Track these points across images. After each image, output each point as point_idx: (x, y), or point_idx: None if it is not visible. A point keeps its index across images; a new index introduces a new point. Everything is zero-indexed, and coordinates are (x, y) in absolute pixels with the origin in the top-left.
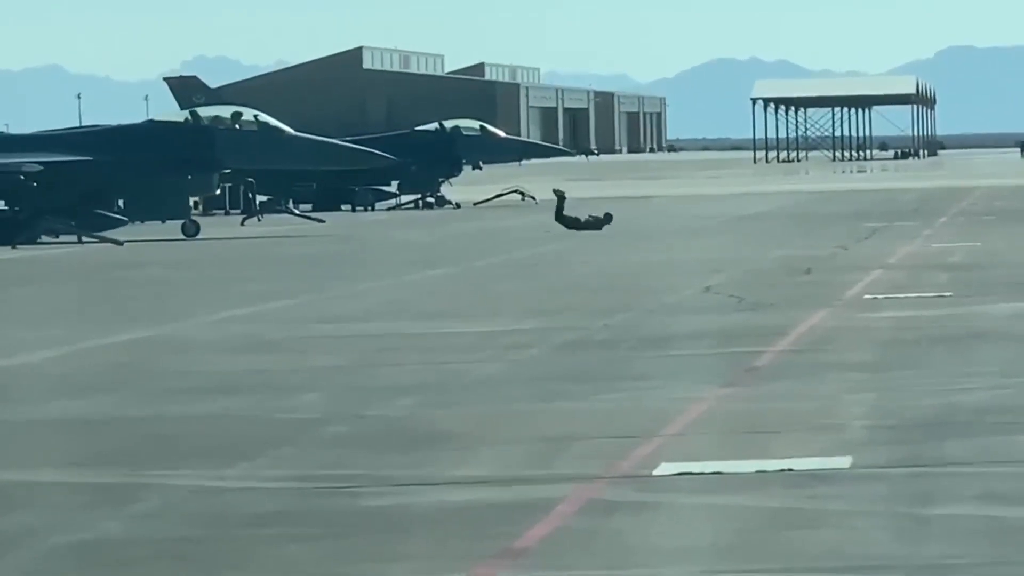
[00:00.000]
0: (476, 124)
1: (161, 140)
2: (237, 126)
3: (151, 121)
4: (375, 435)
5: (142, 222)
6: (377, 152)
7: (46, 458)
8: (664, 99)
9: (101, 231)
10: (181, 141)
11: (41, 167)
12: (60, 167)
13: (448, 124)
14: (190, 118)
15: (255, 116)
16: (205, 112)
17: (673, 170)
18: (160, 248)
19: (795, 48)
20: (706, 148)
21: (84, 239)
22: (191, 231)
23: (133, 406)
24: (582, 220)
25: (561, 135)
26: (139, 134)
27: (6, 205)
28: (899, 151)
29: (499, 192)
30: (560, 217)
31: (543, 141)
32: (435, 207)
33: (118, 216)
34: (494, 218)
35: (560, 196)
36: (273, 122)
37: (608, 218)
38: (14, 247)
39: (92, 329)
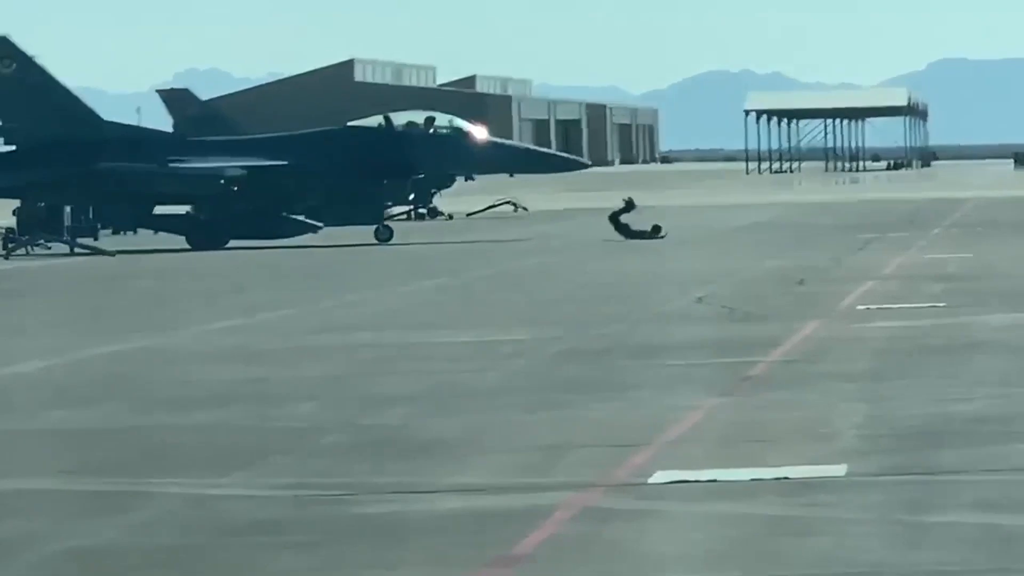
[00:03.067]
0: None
1: (356, 145)
2: (431, 131)
3: (347, 126)
4: (371, 444)
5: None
6: (574, 157)
7: (42, 467)
8: (657, 111)
9: (295, 236)
10: (376, 146)
11: (244, 171)
12: (259, 172)
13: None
14: (384, 123)
15: (449, 120)
16: (399, 118)
17: (666, 181)
18: (152, 259)
19: (788, 60)
20: (700, 159)
21: (76, 250)
22: (384, 236)
23: (128, 416)
24: (635, 229)
25: (553, 147)
26: (334, 139)
27: (196, 210)
28: (892, 162)
29: (491, 203)
30: (617, 223)
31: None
32: (427, 218)
33: (312, 221)
34: (488, 229)
35: (629, 204)
36: (467, 127)
37: (657, 230)
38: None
39: (86, 339)
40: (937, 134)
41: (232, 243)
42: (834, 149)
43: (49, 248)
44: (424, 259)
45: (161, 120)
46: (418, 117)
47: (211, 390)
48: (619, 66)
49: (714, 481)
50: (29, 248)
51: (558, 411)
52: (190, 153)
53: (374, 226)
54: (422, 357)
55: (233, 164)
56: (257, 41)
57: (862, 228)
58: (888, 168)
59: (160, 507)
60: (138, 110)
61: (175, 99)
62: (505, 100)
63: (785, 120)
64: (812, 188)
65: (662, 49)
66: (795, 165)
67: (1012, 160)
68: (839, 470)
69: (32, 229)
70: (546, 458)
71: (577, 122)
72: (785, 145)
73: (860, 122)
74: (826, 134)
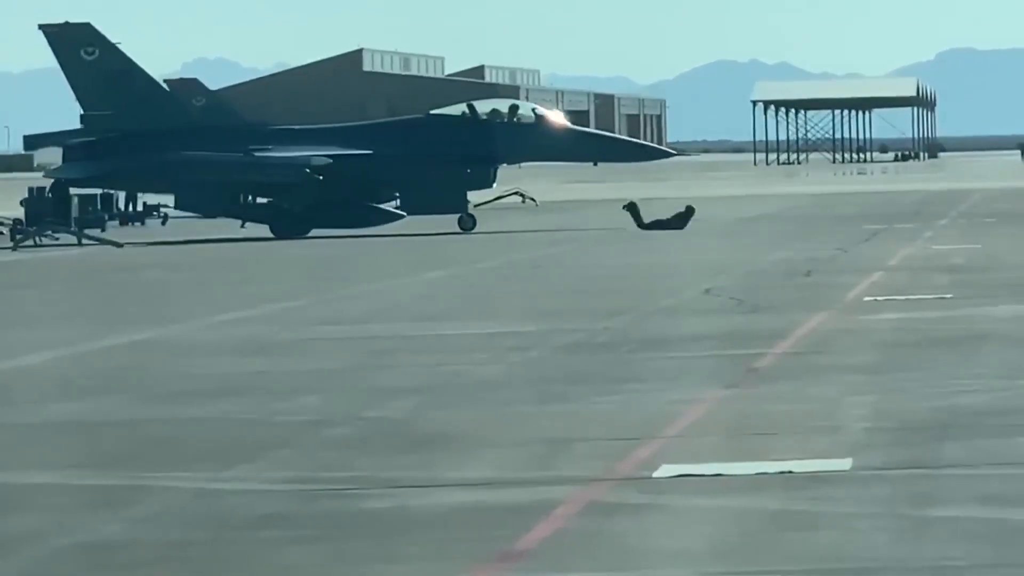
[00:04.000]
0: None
1: (439, 134)
2: (514, 119)
3: (429, 115)
4: (375, 437)
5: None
6: (657, 146)
7: (47, 460)
8: (664, 101)
9: (378, 225)
10: (459, 135)
11: (330, 160)
12: (343, 161)
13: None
14: (467, 112)
15: (533, 109)
16: (482, 106)
17: (673, 172)
18: (159, 251)
19: (795, 50)
20: (706, 151)
21: (84, 241)
22: (468, 225)
23: (133, 408)
24: (663, 219)
25: None
26: (417, 128)
27: (279, 199)
28: (899, 153)
29: (499, 194)
30: (642, 225)
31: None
32: None
33: (395, 210)
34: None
35: (633, 209)
36: (550, 115)
37: (689, 211)
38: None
39: (92, 331)
40: (944, 125)
41: (301, 233)
42: (841, 140)
43: (57, 239)
44: (429, 247)
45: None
46: (502, 105)
47: (217, 383)
48: (627, 56)
49: (719, 475)
50: (37, 239)
51: (563, 404)
52: (271, 142)
53: (457, 215)
54: (426, 350)
55: (319, 153)
56: (265, 31)
57: (869, 219)
58: (895, 159)
59: (165, 501)
60: None
61: (183, 89)
62: (513, 90)
63: (793, 111)
64: (819, 179)
65: (670, 39)
66: (803, 156)
67: (1019, 151)
68: (844, 464)
69: (40, 220)
70: (551, 452)
71: (585, 112)
72: (793, 136)
73: (868, 113)
74: (834, 125)
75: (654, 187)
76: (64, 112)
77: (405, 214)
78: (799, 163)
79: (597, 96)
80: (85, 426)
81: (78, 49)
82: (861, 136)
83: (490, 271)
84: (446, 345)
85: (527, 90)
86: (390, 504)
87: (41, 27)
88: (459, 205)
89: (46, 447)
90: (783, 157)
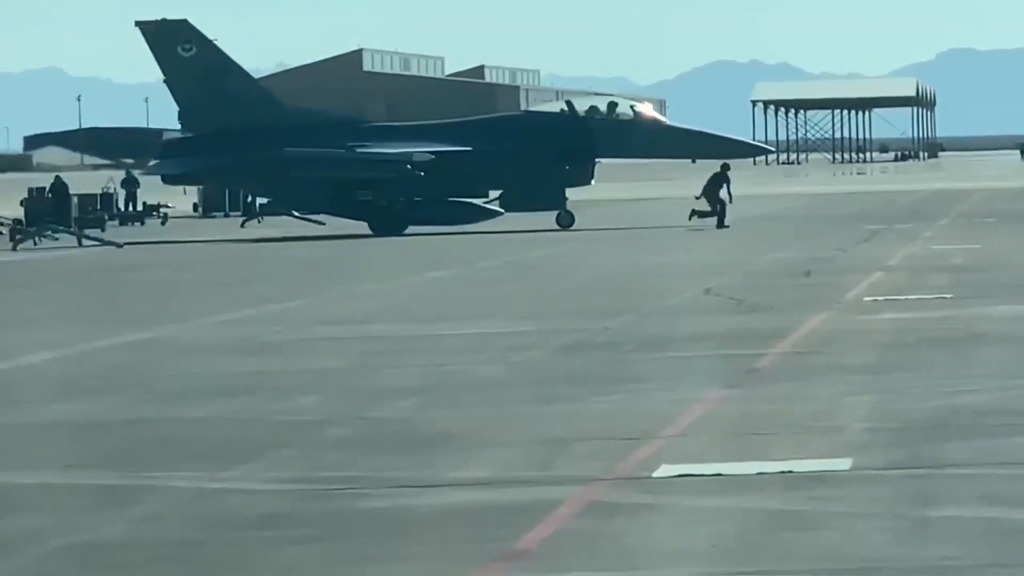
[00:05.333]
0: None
1: (538, 131)
2: (612, 116)
3: (527, 111)
4: (375, 437)
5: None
6: (756, 143)
7: (47, 460)
8: (664, 101)
9: (476, 222)
10: (558, 132)
11: (433, 156)
12: (443, 157)
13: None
14: (566, 108)
15: (631, 106)
16: (580, 102)
17: (674, 172)
18: (159, 251)
19: (795, 50)
20: None
21: (84, 242)
22: (566, 221)
23: (134, 408)
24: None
25: None
26: (516, 125)
27: (378, 196)
28: (899, 153)
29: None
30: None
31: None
32: None
33: (493, 207)
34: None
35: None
36: (649, 112)
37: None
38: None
39: (93, 331)
40: (944, 125)
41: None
42: (841, 140)
43: (57, 239)
44: (428, 248)
45: (169, 111)
46: (600, 102)
47: (217, 383)
48: (627, 56)
49: (719, 475)
50: (37, 239)
51: (564, 404)
52: (368, 138)
53: (556, 211)
54: (427, 350)
55: (420, 149)
56: (265, 31)
57: (869, 219)
58: (895, 159)
59: (165, 501)
60: (146, 100)
61: None
62: (513, 90)
63: (793, 111)
64: (819, 179)
65: (670, 39)
66: (802, 156)
67: (1019, 151)
68: (844, 464)
69: (40, 220)
70: (551, 452)
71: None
72: (792, 136)
73: (868, 113)
74: (833, 125)
75: (655, 187)
76: (64, 112)
77: (503, 211)
78: (799, 163)
79: (597, 96)
80: (85, 426)
81: (175, 46)
82: (861, 136)
83: (491, 271)
84: (447, 345)
85: (527, 90)
86: (390, 504)
87: (138, 24)
88: (558, 201)
89: (46, 447)
90: (783, 157)
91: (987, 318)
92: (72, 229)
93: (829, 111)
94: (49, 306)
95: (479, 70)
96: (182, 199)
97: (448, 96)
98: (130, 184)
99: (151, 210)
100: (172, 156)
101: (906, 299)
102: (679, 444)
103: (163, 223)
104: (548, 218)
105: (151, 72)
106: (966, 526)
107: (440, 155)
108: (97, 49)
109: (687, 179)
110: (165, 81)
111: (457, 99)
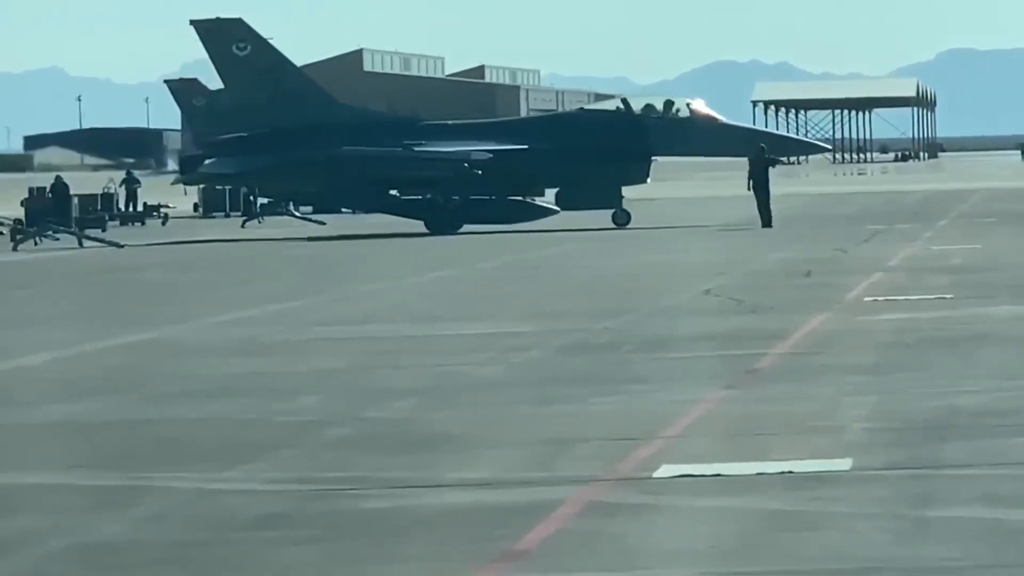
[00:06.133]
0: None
1: (594, 129)
2: (668, 114)
3: (582, 110)
4: (375, 437)
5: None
6: (814, 141)
7: (47, 461)
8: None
9: (533, 220)
10: (614, 130)
11: (490, 155)
12: (499, 156)
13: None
14: (622, 107)
15: (687, 104)
16: (636, 101)
17: (674, 172)
18: (159, 251)
19: (796, 50)
20: None
21: (84, 242)
22: (622, 220)
23: (134, 409)
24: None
25: None
26: (571, 123)
27: (432, 194)
28: (899, 153)
29: None
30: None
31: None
32: None
33: (549, 206)
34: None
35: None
36: (704, 110)
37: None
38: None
39: (92, 332)
40: (944, 125)
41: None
42: (842, 140)
43: (57, 239)
44: (432, 249)
45: (169, 111)
46: (656, 100)
47: (217, 383)
48: (627, 56)
49: (719, 475)
50: (37, 239)
51: (564, 404)
52: (423, 136)
53: (611, 210)
54: (427, 350)
55: (478, 148)
56: (266, 31)
57: (869, 219)
58: (896, 159)
59: (165, 501)
60: (147, 100)
61: (184, 89)
62: (513, 90)
63: (793, 111)
64: (819, 179)
65: (670, 39)
66: (802, 157)
67: (1019, 151)
68: (844, 464)
69: (40, 220)
70: (551, 452)
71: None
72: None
73: (868, 113)
74: (833, 125)
75: (654, 187)
76: (64, 112)
77: (559, 209)
78: (799, 163)
79: (597, 96)
80: (85, 426)
81: (230, 45)
82: (861, 136)
83: (491, 271)
84: (446, 345)
85: (527, 90)
86: (390, 504)
87: (192, 22)
88: (614, 200)
89: (46, 447)
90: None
91: (987, 318)
92: (72, 229)
93: (829, 111)
94: (49, 306)
95: (479, 70)
96: (182, 199)
97: (448, 96)
98: (131, 182)
99: (152, 210)
100: (226, 155)
101: (906, 299)
102: (679, 444)
103: (164, 223)
104: (604, 217)
105: (151, 72)
106: (966, 527)
107: (497, 154)
108: (97, 49)
109: (684, 181)
110: (220, 79)
111: (457, 99)
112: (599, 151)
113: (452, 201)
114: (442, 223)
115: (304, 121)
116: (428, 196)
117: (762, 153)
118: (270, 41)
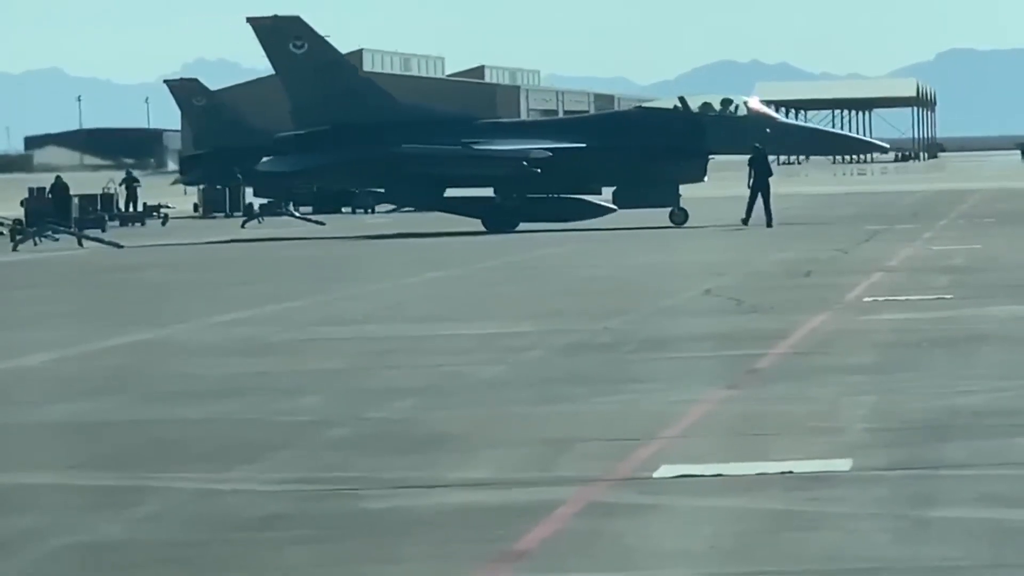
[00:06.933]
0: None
1: (651, 127)
2: (726, 112)
3: (639, 107)
4: (375, 437)
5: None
6: (871, 140)
7: (46, 461)
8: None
9: (590, 219)
10: (672, 128)
11: (550, 153)
12: (558, 154)
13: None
14: (679, 105)
15: (745, 102)
16: (693, 99)
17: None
18: (159, 251)
19: (796, 50)
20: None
21: (84, 242)
22: (679, 219)
23: (134, 409)
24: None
25: None
26: (629, 121)
27: (496, 192)
28: (899, 154)
29: None
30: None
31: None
32: None
33: (607, 204)
34: None
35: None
36: (763, 108)
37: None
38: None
39: (92, 332)
40: (944, 125)
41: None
42: None
43: (57, 240)
44: (432, 249)
45: (169, 111)
46: (713, 99)
47: (217, 383)
48: (627, 57)
49: (719, 475)
50: (37, 239)
51: (564, 404)
52: (480, 135)
53: (669, 208)
54: (427, 351)
55: (537, 146)
56: None
57: (869, 219)
58: (896, 160)
59: (165, 501)
60: (146, 100)
61: (183, 90)
62: (513, 90)
63: (793, 111)
64: (819, 179)
65: (670, 39)
66: (802, 156)
67: (1019, 151)
68: (844, 464)
69: (40, 220)
70: (551, 452)
71: (585, 113)
72: None
73: (868, 113)
74: (833, 125)
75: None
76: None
77: (616, 208)
78: (799, 163)
79: (597, 96)
80: (85, 426)
81: (287, 42)
82: (861, 136)
83: (491, 271)
84: (446, 346)
85: (527, 90)
86: (390, 504)
87: (249, 20)
88: (671, 199)
89: (46, 447)
90: (783, 157)
91: (987, 319)
92: (72, 229)
93: (829, 111)
94: (49, 306)
95: (479, 70)
96: (182, 199)
97: (448, 96)
98: (131, 181)
99: (151, 210)
100: (285, 153)
101: (906, 300)
102: (679, 444)
103: (163, 224)
104: (661, 215)
105: (151, 72)
106: (967, 526)
107: (556, 152)
108: (97, 49)
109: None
110: (278, 77)
111: (457, 99)
112: (657, 149)
113: (511, 199)
114: (500, 221)
115: (363, 119)
116: (487, 194)
117: (761, 153)
118: (327, 39)
